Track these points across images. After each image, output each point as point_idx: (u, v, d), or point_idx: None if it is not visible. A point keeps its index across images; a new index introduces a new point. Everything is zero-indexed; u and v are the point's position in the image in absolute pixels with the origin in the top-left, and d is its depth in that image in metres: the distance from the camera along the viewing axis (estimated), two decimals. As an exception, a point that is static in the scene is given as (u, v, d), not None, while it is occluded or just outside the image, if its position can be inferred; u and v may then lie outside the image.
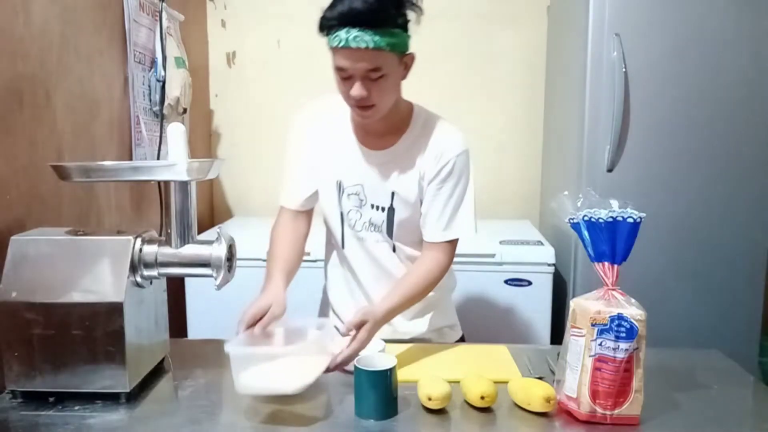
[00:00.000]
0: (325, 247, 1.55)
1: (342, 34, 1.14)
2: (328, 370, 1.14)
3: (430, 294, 1.42)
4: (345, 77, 1.20)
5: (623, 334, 0.99)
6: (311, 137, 1.39)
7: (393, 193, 1.35)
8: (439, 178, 1.33)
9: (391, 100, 1.26)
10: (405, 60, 1.24)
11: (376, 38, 1.14)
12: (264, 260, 2.06)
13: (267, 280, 1.33)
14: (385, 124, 1.32)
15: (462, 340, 1.55)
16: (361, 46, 1.14)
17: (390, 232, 1.38)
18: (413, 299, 1.33)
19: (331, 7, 1.17)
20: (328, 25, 1.17)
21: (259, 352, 1.11)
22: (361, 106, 1.22)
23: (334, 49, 1.18)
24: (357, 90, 1.19)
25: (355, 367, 1.05)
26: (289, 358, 1.10)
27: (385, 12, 1.15)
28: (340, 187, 1.38)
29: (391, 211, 1.36)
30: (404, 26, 1.20)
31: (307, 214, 1.46)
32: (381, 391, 1.04)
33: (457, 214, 1.35)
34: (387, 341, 1.32)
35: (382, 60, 1.17)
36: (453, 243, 1.38)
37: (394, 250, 1.40)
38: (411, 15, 1.22)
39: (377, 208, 1.37)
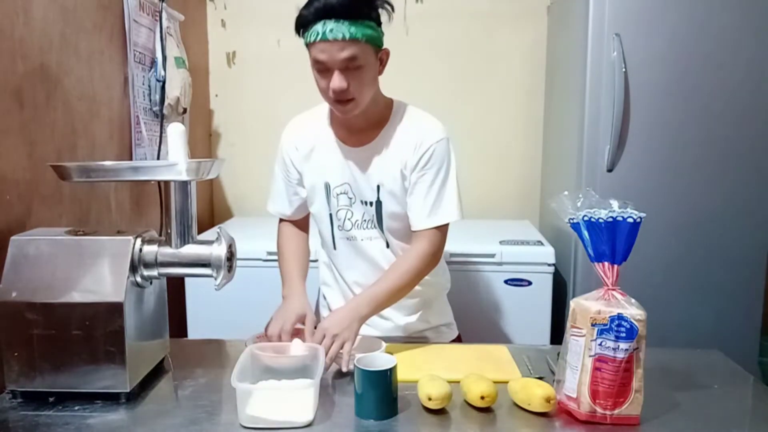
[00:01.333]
0: (320, 256, 1.57)
1: (318, 27, 1.20)
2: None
3: (424, 291, 1.43)
4: (323, 70, 1.24)
5: (623, 334, 0.99)
6: (295, 150, 1.43)
7: (378, 186, 1.36)
8: (419, 166, 1.34)
9: (369, 93, 1.28)
10: (380, 55, 1.28)
11: (352, 29, 1.19)
12: (264, 260, 2.06)
13: (287, 284, 1.39)
14: (366, 120, 1.34)
15: (458, 338, 1.56)
16: (338, 38, 1.19)
17: (381, 225, 1.39)
18: (397, 292, 1.33)
19: (307, 5, 1.22)
20: (304, 22, 1.22)
21: (266, 386, 1.11)
22: (340, 100, 1.25)
23: (311, 45, 1.22)
24: (336, 81, 1.22)
25: (356, 367, 1.05)
26: (295, 388, 1.10)
27: (358, 4, 1.21)
28: (328, 189, 1.40)
29: (379, 204, 1.37)
30: (377, 21, 1.25)
31: (304, 217, 1.52)
32: (381, 391, 1.04)
33: (440, 200, 1.35)
34: (384, 339, 1.32)
35: (358, 50, 1.21)
36: (440, 230, 1.37)
37: (388, 246, 1.41)
38: (384, 15, 1.27)
39: (366, 203, 1.38)
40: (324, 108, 1.41)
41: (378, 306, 1.31)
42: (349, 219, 1.40)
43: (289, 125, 1.47)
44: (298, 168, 1.43)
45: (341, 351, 1.20)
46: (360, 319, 1.26)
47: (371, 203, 1.38)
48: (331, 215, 1.42)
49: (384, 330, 1.44)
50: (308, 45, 1.24)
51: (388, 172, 1.36)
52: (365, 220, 1.40)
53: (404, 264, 1.35)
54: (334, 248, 1.44)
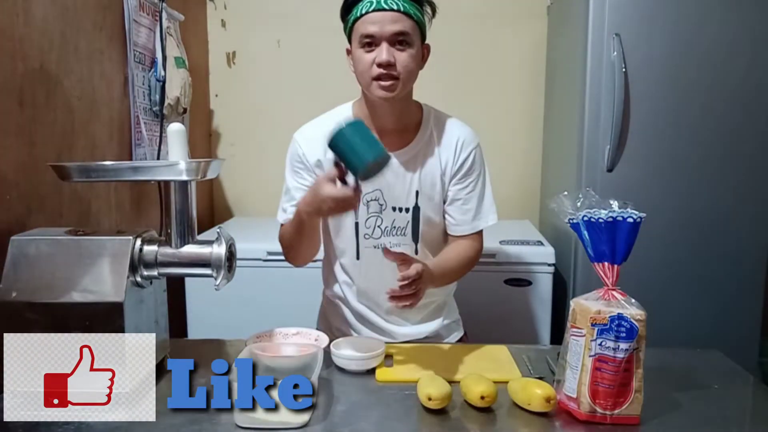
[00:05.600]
0: (323, 266, 1.50)
1: None
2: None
3: (439, 294, 1.43)
4: (370, 44, 1.23)
5: (623, 334, 0.99)
6: (323, 155, 1.33)
7: (417, 192, 1.34)
8: (461, 173, 1.35)
9: (412, 79, 1.28)
10: (423, 48, 1.29)
11: (405, 4, 1.22)
12: (264, 260, 2.06)
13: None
14: (399, 120, 1.32)
15: (465, 335, 1.57)
16: (393, 8, 1.21)
17: (416, 232, 1.37)
18: (453, 273, 1.35)
19: None
20: None
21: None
22: (385, 76, 1.22)
23: (360, 19, 1.22)
24: (384, 54, 1.21)
25: (331, 141, 1.05)
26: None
27: None
28: None
29: (417, 209, 1.35)
30: (424, 13, 1.29)
31: None
32: (362, 134, 1.05)
33: (481, 204, 1.38)
34: (402, 343, 1.31)
35: (409, 26, 1.23)
36: (480, 232, 1.41)
37: (416, 253, 1.38)
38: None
39: (400, 209, 1.35)
40: (343, 112, 1.36)
41: (438, 280, 1.28)
42: (378, 226, 1.36)
43: (305, 132, 1.37)
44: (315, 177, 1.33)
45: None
46: (431, 284, 1.23)
47: (407, 209, 1.35)
48: (357, 224, 1.36)
49: (402, 336, 1.43)
50: (355, 21, 1.23)
51: (427, 177, 1.34)
52: (395, 227, 1.36)
53: (462, 251, 1.36)
54: (357, 258, 1.39)
